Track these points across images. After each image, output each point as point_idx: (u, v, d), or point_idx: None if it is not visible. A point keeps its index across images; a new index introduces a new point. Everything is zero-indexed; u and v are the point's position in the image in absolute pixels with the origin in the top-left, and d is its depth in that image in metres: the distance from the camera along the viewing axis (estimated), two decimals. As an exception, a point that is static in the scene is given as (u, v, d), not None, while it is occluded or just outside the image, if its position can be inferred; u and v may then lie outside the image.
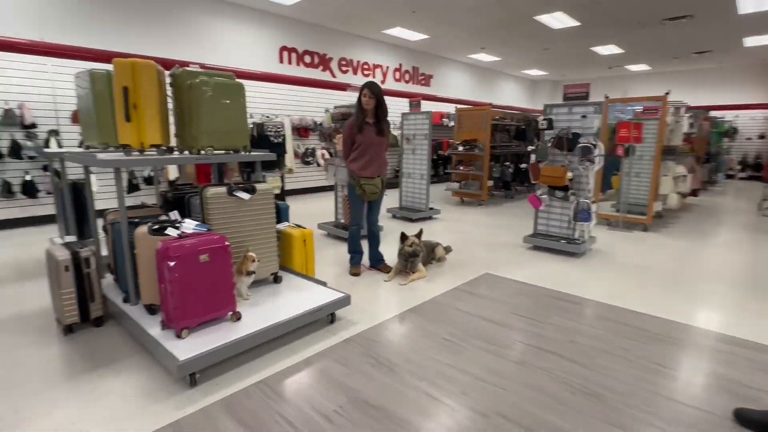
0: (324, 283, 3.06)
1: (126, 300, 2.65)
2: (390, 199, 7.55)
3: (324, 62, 8.90)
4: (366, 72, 9.83)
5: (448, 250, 4.42)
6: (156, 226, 2.40)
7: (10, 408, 1.93)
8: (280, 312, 2.56)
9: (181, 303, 2.19)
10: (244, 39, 7.53)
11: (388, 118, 3.65)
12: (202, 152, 2.80)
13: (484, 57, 11.86)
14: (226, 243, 2.35)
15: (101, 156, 2.57)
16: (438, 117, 11.04)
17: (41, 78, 5.39)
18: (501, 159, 8.14)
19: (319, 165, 8.62)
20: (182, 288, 2.18)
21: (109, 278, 3.01)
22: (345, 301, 2.83)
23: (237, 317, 2.44)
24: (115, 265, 2.80)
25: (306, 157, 8.52)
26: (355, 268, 3.82)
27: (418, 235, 3.73)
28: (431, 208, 6.35)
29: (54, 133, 5.53)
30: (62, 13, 5.59)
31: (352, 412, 1.91)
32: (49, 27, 5.47)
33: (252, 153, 3.12)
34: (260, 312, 2.56)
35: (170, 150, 2.86)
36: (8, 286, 3.43)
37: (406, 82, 10.95)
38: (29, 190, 5.46)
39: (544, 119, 4.50)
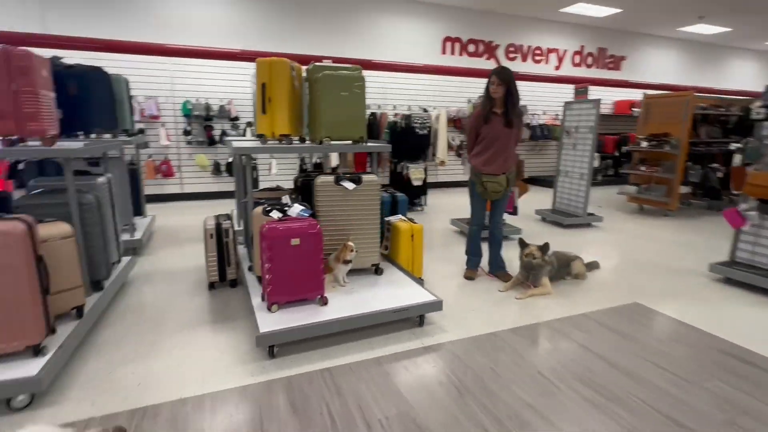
0: (421, 282, 2.92)
1: (250, 269, 3.06)
2: (540, 200, 6.78)
3: (489, 50, 8.45)
4: (537, 58, 8.93)
5: (592, 266, 3.69)
6: (268, 208, 2.67)
7: (150, 339, 2.46)
8: (367, 304, 2.55)
9: (272, 280, 2.39)
10: (408, 33, 7.74)
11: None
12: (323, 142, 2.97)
13: (703, 29, 9.34)
14: (317, 229, 2.45)
15: (236, 144, 2.98)
16: (626, 106, 9.32)
17: (243, 80, 6.66)
18: (705, 159, 6.31)
19: (473, 158, 8.33)
20: (273, 266, 2.37)
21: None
22: (436, 305, 2.64)
23: (324, 302, 2.54)
24: (245, 237, 3.27)
25: (460, 150, 8.32)
26: (469, 271, 3.53)
27: (542, 247, 3.19)
28: (590, 214, 5.39)
29: (249, 124, 6.80)
30: (259, 27, 6.76)
31: (394, 426, 1.76)
32: (249, 38, 6.69)
33: (368, 144, 3.17)
34: (349, 301, 2.60)
35: (302, 140, 3.15)
36: (192, 245, 4.38)
37: (588, 66, 9.50)
38: (231, 169, 6.89)
39: (762, 106, 3.24)
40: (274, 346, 2.28)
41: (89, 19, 5.86)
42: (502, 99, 3.15)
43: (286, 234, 2.37)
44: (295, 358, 2.28)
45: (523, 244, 3.28)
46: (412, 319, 2.68)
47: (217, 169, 6.88)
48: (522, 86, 3.40)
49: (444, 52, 8.09)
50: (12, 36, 5.36)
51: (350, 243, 2.77)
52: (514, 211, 4.73)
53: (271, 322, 2.31)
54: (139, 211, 4.71)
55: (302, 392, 1.99)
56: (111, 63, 5.72)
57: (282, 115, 2.99)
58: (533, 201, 6.97)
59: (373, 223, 2.98)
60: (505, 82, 3.10)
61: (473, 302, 3.04)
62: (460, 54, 8.21)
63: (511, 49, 8.64)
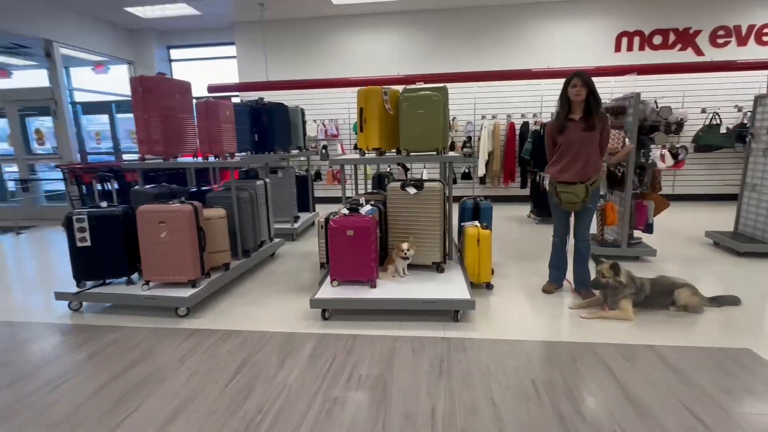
0: (487, 286, 3.15)
1: (344, 255, 3.84)
2: (718, 219, 5.37)
3: (686, 39, 7.04)
4: (767, 38, 6.89)
5: (725, 301, 3.01)
6: (349, 206, 3.38)
7: (264, 292, 3.51)
8: (405, 292, 2.95)
9: (333, 261, 3.08)
10: (575, 35, 7.27)
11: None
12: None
13: None
14: (368, 224, 3.01)
15: (335, 157, 3.80)
16: None
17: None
18: None
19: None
20: (334, 250, 3.06)
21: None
22: (467, 303, 2.82)
23: (372, 285, 3.08)
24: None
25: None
26: (548, 285, 3.40)
27: (614, 267, 2.85)
28: (787, 242, 4.07)
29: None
30: (425, 50, 7.62)
31: (367, 382, 2.18)
32: (414, 62, 7.63)
33: (446, 154, 3.51)
34: (395, 288, 3.06)
35: (398, 152, 3.76)
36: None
37: None
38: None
39: None
40: (326, 311, 2.97)
41: (297, 66, 7.92)
42: (582, 103, 3.00)
43: (343, 225, 3.02)
44: (339, 323, 2.91)
45: (598, 261, 3.00)
46: (449, 314, 2.92)
47: (378, 177, 8.08)
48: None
49: (618, 50, 7.21)
50: (248, 85, 7.78)
51: (403, 244, 3.21)
52: (647, 229, 4.10)
53: (327, 292, 3.00)
54: (307, 208, 6.19)
55: (325, 346, 2.60)
56: (309, 97, 7.60)
57: (373, 132, 3.65)
58: (705, 220, 5.60)
59: (433, 224, 3.32)
60: (587, 84, 2.95)
61: (529, 312, 3.01)
62: (641, 49, 7.15)
63: (720, 32, 6.96)
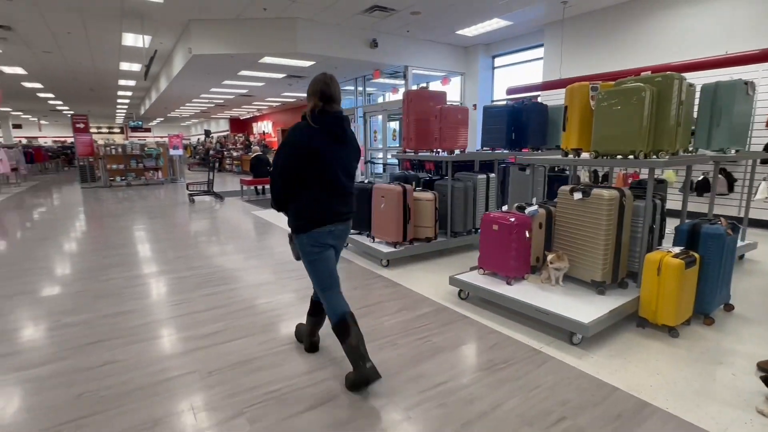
0: (673, 332, 2.63)
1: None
2: None
3: None
4: None
5: None
6: (517, 205, 3.48)
7: (442, 271, 4.17)
8: (531, 299, 2.88)
9: (482, 250, 3.36)
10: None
11: None
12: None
13: None
14: (512, 223, 3.09)
15: (525, 157, 3.80)
16: None
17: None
18: None
19: None
20: (482, 241, 3.33)
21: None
22: (576, 326, 2.49)
23: (508, 282, 3.15)
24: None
25: None
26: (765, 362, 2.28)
27: None
28: None
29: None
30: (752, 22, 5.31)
31: (413, 346, 2.59)
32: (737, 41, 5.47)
33: (645, 160, 2.90)
34: (530, 293, 3.01)
35: (578, 153, 3.46)
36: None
37: None
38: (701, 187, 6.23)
39: None
40: (461, 291, 3.35)
41: (591, 60, 7.34)
42: None
43: (490, 220, 3.24)
44: (469, 305, 3.23)
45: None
46: (566, 333, 2.63)
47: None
48: None
49: None
50: (543, 85, 7.91)
51: (551, 255, 3.02)
52: None
53: (468, 276, 3.36)
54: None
55: (445, 315, 3.08)
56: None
57: (574, 131, 3.47)
58: None
59: (595, 238, 2.90)
60: None
61: (697, 381, 2.25)
62: None
63: None
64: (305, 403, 2.03)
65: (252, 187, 10.17)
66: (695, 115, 4.24)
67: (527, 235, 3.18)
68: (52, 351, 2.58)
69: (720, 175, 5.95)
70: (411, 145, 4.96)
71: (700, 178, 6.28)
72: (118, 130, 33.43)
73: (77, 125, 12.96)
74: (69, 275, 4.08)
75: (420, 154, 4.93)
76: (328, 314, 2.22)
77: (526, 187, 5.56)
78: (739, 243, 4.33)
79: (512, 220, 3.14)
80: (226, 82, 11.63)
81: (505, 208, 3.47)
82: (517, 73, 9.69)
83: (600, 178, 7.50)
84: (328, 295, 2.24)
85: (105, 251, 4.98)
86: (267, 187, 10.88)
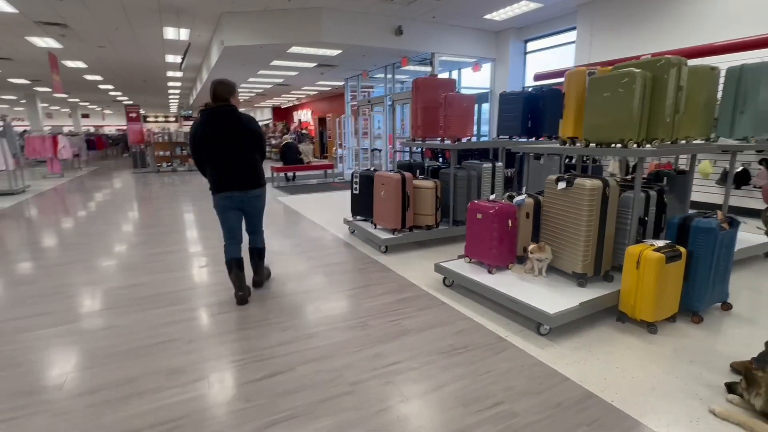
0: (650, 328, 2.57)
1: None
2: None
3: None
4: None
5: None
6: (507, 194, 3.44)
7: (432, 253, 4.20)
8: (508, 289, 2.87)
9: (468, 239, 3.37)
10: None
11: None
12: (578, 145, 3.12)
13: None
14: (494, 213, 3.08)
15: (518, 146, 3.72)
16: None
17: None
18: None
19: None
20: (468, 230, 3.34)
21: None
22: (543, 317, 2.47)
23: (490, 270, 3.15)
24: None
25: None
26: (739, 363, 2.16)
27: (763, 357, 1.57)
28: None
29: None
30: None
31: (381, 328, 2.68)
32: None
33: (634, 149, 2.78)
34: (508, 282, 2.99)
35: (573, 142, 3.35)
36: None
37: None
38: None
39: None
40: (446, 278, 3.39)
41: (623, 42, 6.89)
42: None
43: (475, 209, 3.24)
44: (452, 293, 3.27)
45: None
46: (534, 322, 2.61)
47: (723, 179, 5.96)
48: None
49: None
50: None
51: (532, 246, 2.98)
52: None
53: (452, 264, 3.39)
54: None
55: (424, 300, 3.15)
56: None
57: (570, 119, 3.37)
58: None
59: (576, 229, 2.83)
60: None
61: (658, 378, 2.20)
62: None
63: None
64: (264, 371, 2.21)
65: (283, 174, 10.56)
66: (719, 101, 3.95)
67: (509, 224, 3.15)
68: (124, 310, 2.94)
69: (761, 166, 5.46)
70: (419, 133, 4.98)
71: (739, 170, 5.80)
72: (173, 119, 35.52)
73: (130, 114, 13.99)
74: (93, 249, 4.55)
75: (427, 141, 4.94)
76: (225, 256, 3.11)
77: (541, 176, 5.42)
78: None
79: (495, 208, 3.13)
80: (261, 72, 12.04)
81: (492, 196, 3.44)
82: (551, 59, 9.28)
83: (631, 168, 7.11)
84: (226, 244, 3.13)
85: (131, 229, 5.46)
86: (297, 174, 11.25)
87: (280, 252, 4.42)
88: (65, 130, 18.50)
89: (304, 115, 23.21)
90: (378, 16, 8.36)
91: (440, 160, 7.33)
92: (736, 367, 2.18)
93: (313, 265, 3.98)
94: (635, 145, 2.75)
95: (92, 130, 25.88)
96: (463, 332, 2.63)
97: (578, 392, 2.02)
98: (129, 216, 6.45)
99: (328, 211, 6.68)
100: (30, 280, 3.64)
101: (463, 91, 10.88)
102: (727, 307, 2.91)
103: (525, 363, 2.28)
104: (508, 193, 3.44)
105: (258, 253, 3.32)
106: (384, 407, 1.92)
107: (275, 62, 10.51)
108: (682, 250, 2.62)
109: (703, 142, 3.57)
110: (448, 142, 4.71)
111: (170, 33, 9.36)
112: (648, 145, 2.81)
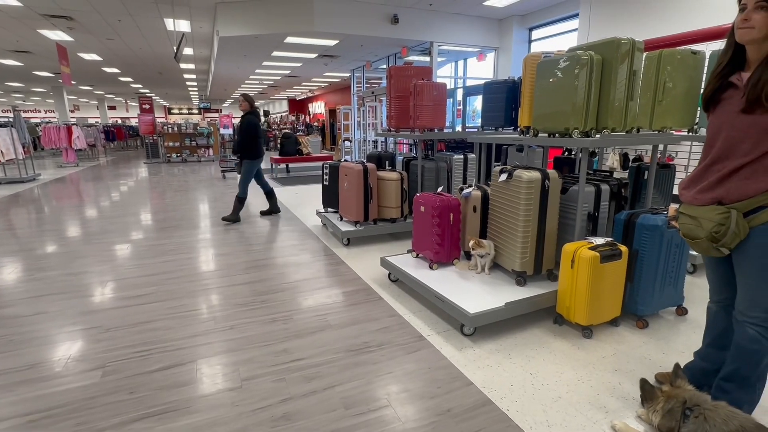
0: (585, 331, 2.40)
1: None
2: None
3: None
4: None
5: None
6: (460, 187, 3.27)
7: (393, 251, 4.07)
8: (441, 286, 2.72)
9: (414, 233, 3.23)
10: None
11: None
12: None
13: None
14: (436, 206, 2.93)
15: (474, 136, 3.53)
16: None
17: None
18: None
19: None
20: (414, 223, 3.20)
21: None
22: (464, 317, 2.32)
23: (431, 266, 3.01)
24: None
25: None
26: (668, 374, 1.96)
27: (674, 372, 1.39)
28: None
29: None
30: None
31: (304, 316, 2.60)
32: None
33: (576, 139, 2.56)
34: (445, 278, 2.85)
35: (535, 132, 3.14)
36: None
37: None
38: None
39: None
40: (391, 274, 3.26)
41: (624, 25, 6.47)
42: (757, 49, 1.50)
43: (419, 202, 3.10)
44: (395, 288, 3.15)
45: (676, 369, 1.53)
46: (455, 321, 2.47)
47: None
48: None
49: None
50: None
51: (471, 241, 2.82)
52: None
53: (397, 259, 3.26)
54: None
55: (361, 295, 3.05)
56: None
57: (525, 107, 3.18)
58: None
59: (514, 224, 2.65)
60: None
61: (569, 386, 2.03)
62: None
63: None
64: (161, 364, 2.16)
65: (283, 165, 10.58)
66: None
67: (451, 218, 2.99)
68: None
69: None
70: (392, 123, 4.83)
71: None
72: (196, 111, 36.27)
73: (143, 106, 14.33)
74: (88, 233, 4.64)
75: (401, 132, 4.79)
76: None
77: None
78: None
79: (437, 202, 2.97)
80: (266, 63, 12.05)
81: (440, 189, 3.29)
82: (556, 47, 8.87)
83: (631, 161, 6.73)
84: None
85: (111, 214, 5.56)
86: (301, 165, 11.25)
87: (238, 241, 4.40)
88: (90, 122, 19.17)
89: (318, 107, 23.24)
90: (372, 4, 8.18)
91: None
92: (659, 379, 1.99)
93: (267, 257, 3.93)
94: (580, 136, 2.55)
95: (119, 122, 26.75)
96: (385, 330, 2.52)
97: (475, 399, 1.88)
98: (118, 201, 6.59)
99: (312, 203, 6.62)
100: (-8, 265, 3.74)
101: (469, 83, 10.64)
102: (682, 311, 2.68)
103: (433, 365, 2.15)
104: (460, 186, 3.28)
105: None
106: (263, 405, 1.84)
107: (276, 53, 10.49)
108: (623, 248, 2.40)
109: (685, 132, 3.30)
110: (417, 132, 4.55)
111: (172, 24, 9.46)
112: (598, 136, 2.60)
